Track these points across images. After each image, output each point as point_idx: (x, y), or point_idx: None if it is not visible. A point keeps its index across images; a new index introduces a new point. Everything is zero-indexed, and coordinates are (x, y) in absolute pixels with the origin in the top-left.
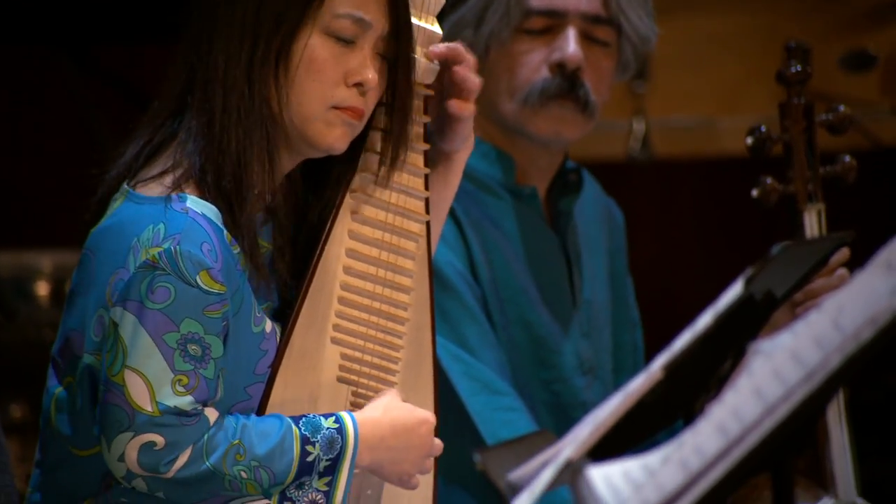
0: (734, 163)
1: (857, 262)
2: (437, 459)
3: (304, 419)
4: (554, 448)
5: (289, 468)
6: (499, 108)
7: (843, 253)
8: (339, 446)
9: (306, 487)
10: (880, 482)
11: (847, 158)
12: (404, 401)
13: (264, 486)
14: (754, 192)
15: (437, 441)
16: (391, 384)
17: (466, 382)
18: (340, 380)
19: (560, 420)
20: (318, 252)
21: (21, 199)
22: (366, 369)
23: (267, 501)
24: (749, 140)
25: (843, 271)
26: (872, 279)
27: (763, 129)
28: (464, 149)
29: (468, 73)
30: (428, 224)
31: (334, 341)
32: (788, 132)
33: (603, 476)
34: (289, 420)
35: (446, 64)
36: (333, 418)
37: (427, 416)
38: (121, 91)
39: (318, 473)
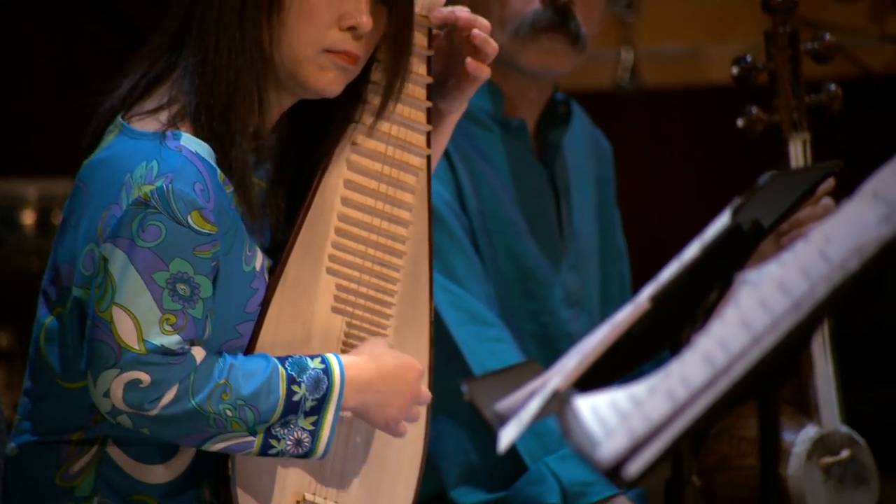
0: (722, 92)
1: (842, 192)
2: (429, 408)
3: (290, 359)
4: (541, 378)
5: (274, 407)
6: None
7: (829, 182)
8: (325, 386)
9: (292, 426)
10: (864, 410)
11: (832, 87)
12: (400, 334)
13: (249, 424)
14: (740, 122)
15: (426, 389)
16: (386, 316)
17: (454, 313)
18: (335, 310)
19: (547, 351)
20: (315, 182)
21: (6, 128)
22: (361, 301)
23: (252, 439)
24: (734, 70)
25: (828, 201)
26: (859, 209)
27: (748, 58)
28: (459, 110)
29: (488, 37)
30: (429, 158)
31: (330, 272)
32: (773, 61)
33: (590, 406)
34: (275, 360)
35: (461, 28)
36: (320, 359)
37: (414, 362)
38: (108, 20)
39: (303, 413)
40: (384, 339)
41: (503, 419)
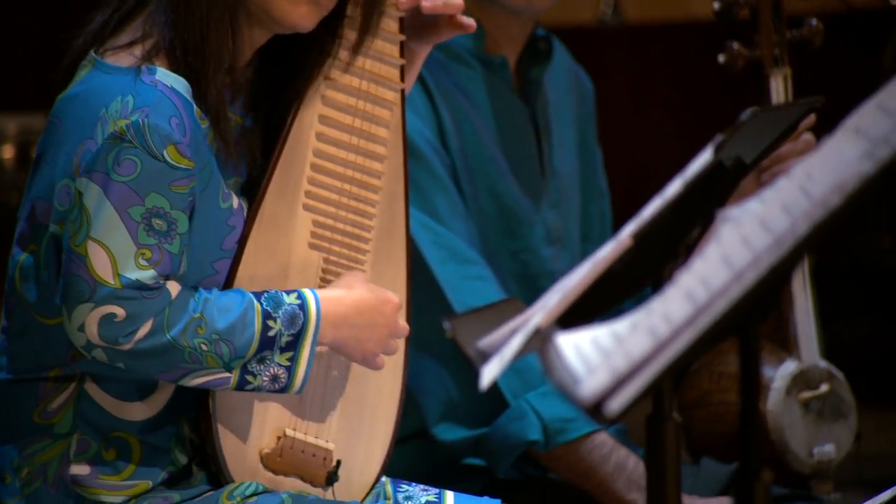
0: (705, 27)
1: (824, 128)
2: (407, 342)
3: (265, 294)
4: (523, 316)
5: (250, 342)
6: None
7: (810, 118)
8: (300, 322)
9: (268, 362)
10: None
11: (814, 22)
12: (377, 270)
13: (225, 359)
14: (721, 58)
15: (403, 322)
16: (363, 251)
17: (435, 251)
18: (312, 246)
19: (528, 290)
20: (290, 119)
21: None
22: (338, 237)
23: (228, 374)
24: (716, 5)
25: (808, 136)
26: (840, 145)
27: None
28: (429, 46)
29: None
30: (403, 92)
31: (306, 208)
32: None
33: (572, 343)
34: (250, 295)
35: None
36: (295, 294)
37: (391, 295)
38: None
39: (279, 348)
40: (361, 273)
41: (485, 356)
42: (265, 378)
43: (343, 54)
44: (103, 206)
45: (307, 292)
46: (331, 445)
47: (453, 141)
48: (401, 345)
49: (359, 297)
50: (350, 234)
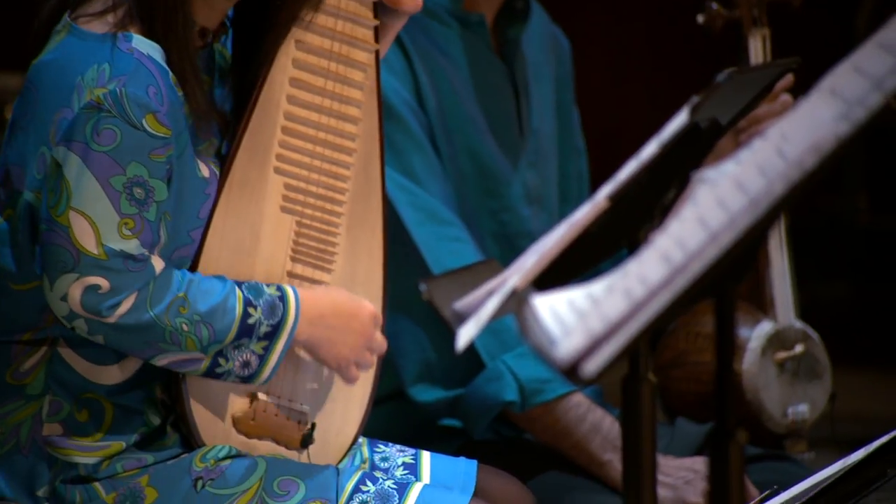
0: None
1: (801, 89)
2: (384, 302)
3: (246, 284)
4: (500, 277)
5: (230, 327)
6: None
7: (788, 79)
8: (280, 313)
9: (243, 348)
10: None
11: None
12: (352, 234)
13: (204, 342)
14: (700, 18)
15: (380, 336)
16: (337, 214)
17: (412, 212)
18: (284, 209)
19: (506, 250)
20: (260, 82)
21: None
22: (311, 199)
23: (202, 356)
24: None
25: (786, 97)
26: (816, 106)
27: None
28: (401, 20)
29: None
30: (377, 53)
31: (277, 171)
32: None
33: (548, 305)
34: (232, 282)
35: None
36: (275, 287)
37: (370, 305)
38: None
39: (257, 336)
40: (338, 280)
41: (461, 318)
42: (237, 363)
43: (314, 16)
44: (84, 175)
45: (286, 287)
46: (305, 408)
47: (430, 100)
48: (374, 359)
49: (337, 299)
50: (324, 196)
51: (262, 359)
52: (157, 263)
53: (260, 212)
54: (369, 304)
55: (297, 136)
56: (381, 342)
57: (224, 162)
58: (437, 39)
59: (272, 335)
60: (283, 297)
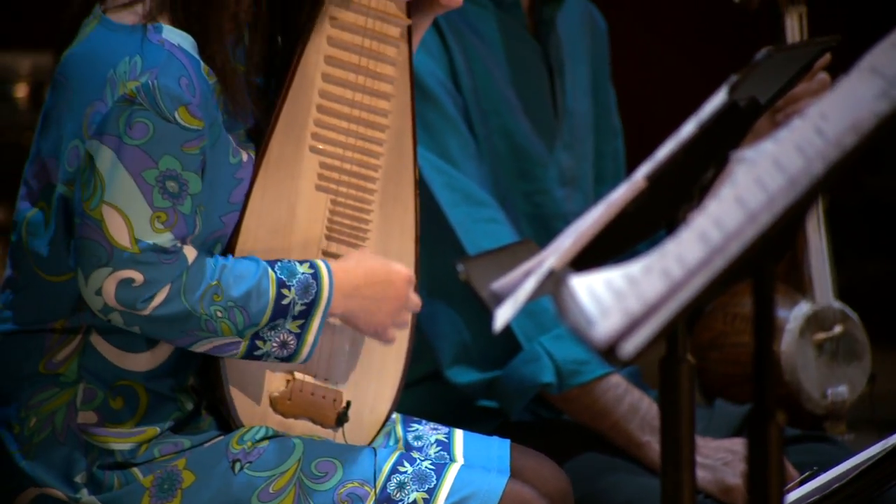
0: None
1: (840, 67)
2: (417, 279)
3: (278, 263)
4: (536, 258)
5: (264, 310)
6: None
7: (825, 57)
8: (314, 291)
9: (279, 329)
10: (857, 285)
11: None
12: (385, 210)
13: (239, 327)
14: None
15: (415, 296)
16: (371, 191)
17: (448, 194)
18: (319, 188)
19: (541, 231)
20: (294, 61)
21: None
22: (345, 177)
23: (239, 340)
24: None
25: (824, 76)
26: (856, 84)
27: None
28: (428, 19)
29: None
30: (409, 28)
31: (313, 150)
32: None
33: (585, 286)
34: (265, 263)
35: None
36: (308, 264)
37: (403, 268)
38: None
39: (292, 316)
40: (369, 250)
41: (498, 299)
42: (274, 344)
43: None
44: (117, 169)
45: (319, 262)
46: (340, 387)
47: (466, 81)
48: (410, 317)
49: (370, 268)
50: (357, 174)
51: (300, 337)
52: (190, 253)
53: (296, 190)
54: (402, 267)
55: (332, 113)
56: (415, 301)
57: (260, 142)
58: (473, 20)
59: (307, 313)
60: (316, 275)
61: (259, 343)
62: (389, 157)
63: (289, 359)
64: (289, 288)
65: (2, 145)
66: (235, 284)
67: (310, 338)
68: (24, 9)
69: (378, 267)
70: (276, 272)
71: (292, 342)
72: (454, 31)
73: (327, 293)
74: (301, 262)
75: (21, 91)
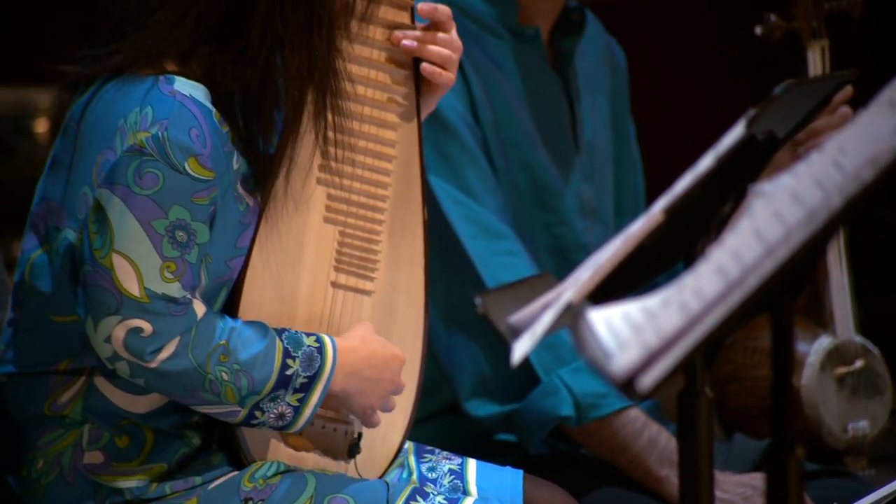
0: None
1: (860, 101)
2: (426, 306)
3: (286, 333)
4: (555, 291)
5: (268, 378)
6: None
7: (846, 91)
8: (317, 365)
9: (279, 400)
10: (878, 320)
11: None
12: (394, 240)
13: (242, 392)
14: (758, 30)
15: (402, 381)
16: (379, 222)
17: (467, 226)
18: (327, 220)
19: (561, 263)
20: (301, 93)
21: (20, 34)
22: (353, 209)
23: (239, 409)
24: None
25: (845, 110)
26: (875, 118)
27: None
28: (430, 104)
29: (452, 41)
30: (416, 59)
31: (320, 182)
32: None
33: (603, 319)
34: (273, 331)
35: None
36: (314, 338)
37: (399, 352)
38: None
39: (293, 388)
40: (370, 325)
41: (516, 332)
42: (272, 416)
43: (353, 25)
44: (127, 218)
45: (325, 337)
46: (351, 418)
47: (485, 113)
48: (420, 312)
49: (372, 350)
50: (365, 205)
51: (297, 410)
52: (199, 308)
53: (304, 224)
54: (398, 350)
55: (339, 145)
56: (402, 385)
57: (266, 178)
58: (492, 53)
59: (308, 387)
60: (321, 349)
61: (257, 413)
62: (397, 186)
63: (283, 429)
64: (294, 359)
65: (23, 180)
66: (243, 347)
67: (307, 411)
68: (44, 44)
69: (379, 350)
70: (283, 341)
71: (289, 414)
72: (474, 64)
73: (329, 369)
74: (308, 335)
75: (41, 126)
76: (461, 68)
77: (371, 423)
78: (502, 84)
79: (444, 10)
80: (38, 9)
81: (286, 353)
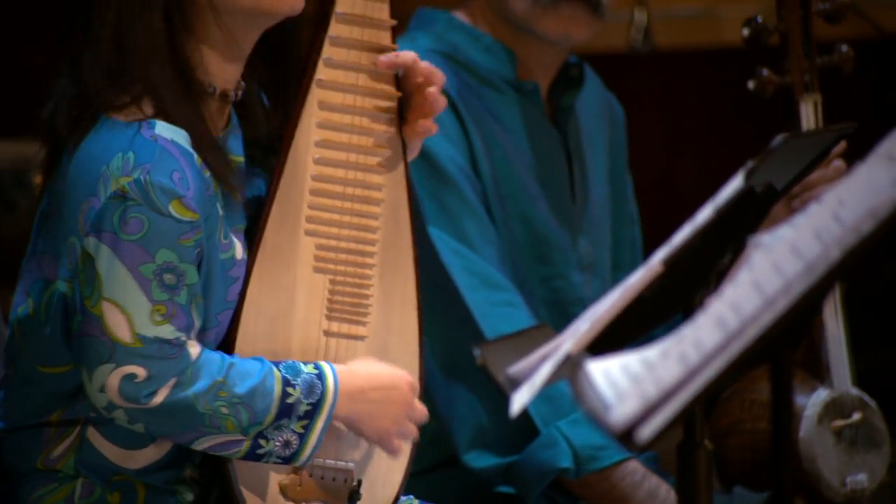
0: (735, 53)
1: (855, 155)
2: (421, 353)
3: (283, 363)
4: (553, 342)
5: (269, 408)
6: (508, 4)
7: (841, 145)
8: (319, 391)
9: (283, 429)
10: (875, 373)
11: (844, 48)
12: (385, 282)
13: (243, 424)
14: (751, 84)
15: (420, 405)
16: (369, 266)
17: (466, 277)
18: (317, 269)
19: (558, 317)
20: (284, 147)
21: (20, 88)
22: (342, 256)
23: (242, 438)
24: (745, 31)
25: (839, 163)
26: (873, 171)
27: (759, 19)
28: (414, 144)
29: (439, 95)
30: (399, 100)
31: (308, 233)
32: (785, 22)
33: (602, 370)
34: (269, 363)
35: (416, 80)
36: (312, 365)
37: (406, 374)
38: None
39: (297, 416)
40: (372, 357)
41: (515, 383)
42: (277, 443)
43: (334, 73)
44: (114, 265)
45: (323, 364)
46: (350, 465)
47: (485, 166)
48: (414, 354)
49: (375, 372)
50: (354, 251)
51: (303, 437)
52: (194, 349)
53: (294, 277)
54: (406, 373)
55: (326, 195)
56: (421, 411)
57: (254, 234)
58: (492, 106)
59: (312, 413)
60: (321, 375)
61: (262, 442)
62: (386, 229)
63: (290, 458)
64: (294, 387)
65: (23, 234)
66: (241, 381)
67: (313, 438)
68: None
69: (382, 371)
70: (281, 371)
71: (295, 442)
72: (473, 117)
73: (332, 394)
74: (305, 363)
75: (40, 178)
76: (461, 121)
77: (391, 450)
78: (501, 138)
79: (437, 71)
80: (40, 62)
81: (286, 382)
